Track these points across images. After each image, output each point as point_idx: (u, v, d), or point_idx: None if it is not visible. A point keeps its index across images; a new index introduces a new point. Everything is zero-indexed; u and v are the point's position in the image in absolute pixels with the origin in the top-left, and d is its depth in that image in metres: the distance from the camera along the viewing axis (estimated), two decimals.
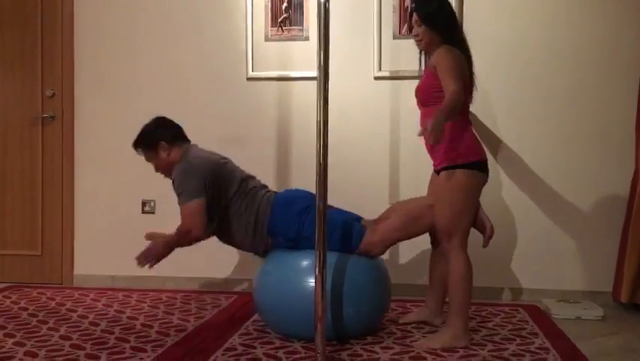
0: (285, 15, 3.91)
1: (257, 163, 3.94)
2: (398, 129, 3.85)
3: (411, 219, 2.91)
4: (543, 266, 3.74)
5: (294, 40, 3.91)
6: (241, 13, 3.95)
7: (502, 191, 3.75)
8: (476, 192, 2.84)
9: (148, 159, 3.18)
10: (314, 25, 3.77)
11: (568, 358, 2.62)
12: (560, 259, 3.73)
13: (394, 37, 3.82)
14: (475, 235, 2.91)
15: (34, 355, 2.62)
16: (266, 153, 3.96)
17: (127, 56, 4.09)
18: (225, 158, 3.15)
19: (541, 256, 3.74)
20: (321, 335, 2.46)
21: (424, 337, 2.91)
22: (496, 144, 3.73)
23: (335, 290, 2.74)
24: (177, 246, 2.94)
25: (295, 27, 3.91)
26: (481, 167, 2.82)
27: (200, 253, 3.52)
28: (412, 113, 3.78)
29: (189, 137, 4.03)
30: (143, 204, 4.07)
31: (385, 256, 3.13)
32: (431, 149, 2.88)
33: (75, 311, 3.39)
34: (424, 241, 3.14)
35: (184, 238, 2.93)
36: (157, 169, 3.20)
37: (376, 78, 3.84)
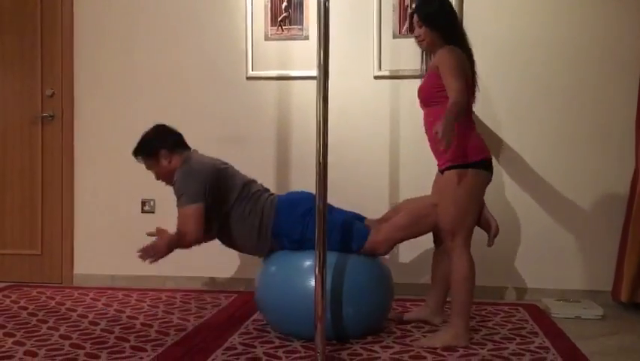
0: (284, 14, 3.91)
1: (257, 162, 3.95)
2: (398, 128, 3.85)
3: (415, 219, 2.91)
4: (543, 265, 3.74)
5: (294, 39, 3.91)
6: (241, 12, 3.94)
7: (502, 191, 3.75)
8: (480, 191, 2.84)
9: (148, 167, 3.17)
10: (314, 24, 3.77)
11: (567, 357, 2.62)
12: (559, 259, 3.73)
13: (394, 37, 3.81)
14: (476, 234, 2.91)
15: (34, 354, 2.62)
16: (266, 152, 3.96)
17: (126, 55, 4.09)
18: (226, 163, 3.14)
19: (541, 255, 3.74)
20: (321, 334, 2.47)
21: (424, 336, 2.91)
22: (496, 143, 3.73)
23: (338, 290, 2.74)
24: (177, 247, 2.93)
25: (295, 26, 3.90)
26: (486, 166, 2.82)
27: (200, 253, 3.51)
28: (411, 113, 3.79)
29: (189, 136, 4.03)
30: (143, 203, 4.07)
31: (386, 255, 3.12)
32: (435, 149, 2.88)
33: (75, 311, 3.39)
34: (425, 241, 3.14)
35: (181, 241, 2.92)
36: (158, 177, 3.18)
37: (376, 77, 3.84)
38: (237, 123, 3.99)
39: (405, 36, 3.79)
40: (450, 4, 2.95)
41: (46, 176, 4.17)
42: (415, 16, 2.90)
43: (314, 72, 2.54)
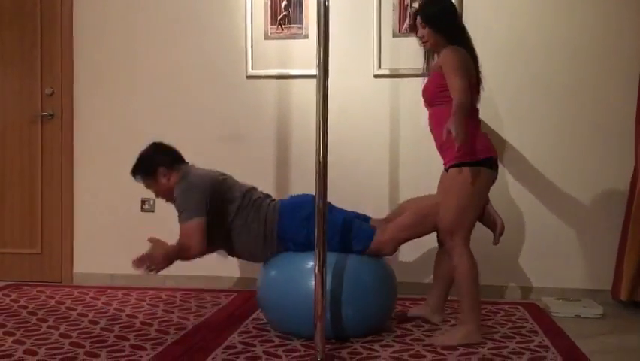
0: (284, 13, 3.91)
1: (256, 161, 3.95)
2: (398, 127, 3.85)
3: (421, 218, 2.91)
4: (543, 264, 3.74)
5: (294, 38, 3.90)
6: (240, 11, 3.94)
7: (502, 190, 3.74)
8: (484, 190, 2.83)
9: (147, 186, 3.14)
10: (314, 23, 3.76)
11: (567, 356, 2.62)
12: (559, 257, 3.73)
13: (394, 35, 3.81)
14: (478, 233, 2.90)
15: (34, 353, 2.62)
16: (265, 151, 3.96)
17: (126, 54, 4.08)
18: (224, 174, 3.13)
19: (541, 254, 3.74)
20: (321, 333, 2.47)
21: (425, 335, 2.91)
22: (497, 142, 3.71)
23: (341, 290, 2.74)
24: (177, 259, 2.90)
25: (295, 25, 3.90)
26: (490, 164, 2.81)
27: None
28: (411, 112, 3.80)
29: (189, 135, 4.04)
30: (143, 202, 4.07)
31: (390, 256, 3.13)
32: (441, 147, 2.88)
33: (75, 310, 3.39)
34: (425, 240, 3.13)
35: (183, 254, 2.88)
36: (157, 195, 3.16)
37: (376, 76, 3.84)
38: (237, 122, 3.99)
39: (405, 35, 3.79)
40: (453, 6, 2.94)
41: (46, 175, 4.17)
42: (419, 17, 2.90)
43: (314, 71, 2.54)
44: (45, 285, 4.03)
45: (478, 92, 2.88)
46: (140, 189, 4.03)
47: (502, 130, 3.75)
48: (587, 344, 2.80)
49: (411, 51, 3.76)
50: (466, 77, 2.70)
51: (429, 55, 3.03)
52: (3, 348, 2.68)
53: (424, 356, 2.61)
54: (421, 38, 2.91)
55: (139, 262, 2.76)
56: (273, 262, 2.97)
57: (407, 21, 3.80)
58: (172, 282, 4.01)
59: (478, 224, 2.93)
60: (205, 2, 3.99)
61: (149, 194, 4.02)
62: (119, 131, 4.09)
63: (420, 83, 3.64)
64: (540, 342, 2.82)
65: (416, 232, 2.94)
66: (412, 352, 2.67)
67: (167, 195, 3.09)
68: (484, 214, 2.96)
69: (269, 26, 3.92)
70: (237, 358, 2.58)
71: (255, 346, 2.74)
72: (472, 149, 2.76)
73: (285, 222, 2.93)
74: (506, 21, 3.73)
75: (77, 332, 2.95)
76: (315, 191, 2.47)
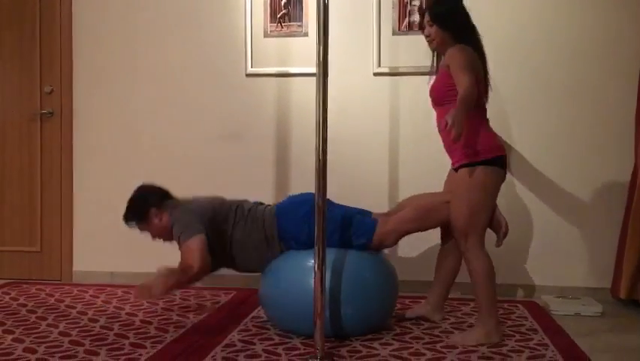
0: (284, 11, 3.90)
1: (256, 160, 3.95)
2: (398, 125, 3.85)
3: (424, 213, 2.91)
4: (542, 262, 3.75)
5: (293, 36, 3.90)
6: (240, 9, 3.94)
7: (501, 188, 3.74)
8: (495, 190, 2.81)
9: (142, 230, 3.10)
10: (313, 21, 3.76)
11: (567, 354, 2.62)
12: (559, 255, 3.73)
13: (394, 33, 3.81)
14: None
15: (34, 351, 2.62)
16: (265, 149, 3.96)
17: (126, 52, 4.08)
18: (213, 196, 3.10)
19: (541, 252, 3.75)
20: (320, 331, 2.47)
21: (427, 334, 2.91)
22: None
23: (341, 288, 2.73)
24: (177, 287, 2.85)
25: (294, 23, 3.90)
26: (501, 163, 2.80)
27: None
28: (411, 110, 3.80)
29: (188, 134, 4.04)
30: None
31: (386, 252, 3.12)
32: (449, 147, 2.86)
33: (74, 308, 3.39)
34: (426, 239, 3.13)
35: (185, 276, 2.82)
36: (154, 236, 3.10)
37: (376, 74, 3.84)
38: (237, 120, 3.99)
39: (404, 33, 3.79)
40: (462, 4, 2.89)
41: (46, 173, 4.17)
42: (426, 15, 2.89)
43: (313, 69, 2.54)
44: (44, 283, 4.03)
45: (485, 91, 2.87)
46: None
47: (501, 128, 3.73)
48: (586, 342, 2.80)
49: (411, 49, 3.77)
50: (472, 73, 2.68)
51: (437, 54, 3.01)
52: (2, 346, 2.68)
53: (424, 355, 2.61)
54: (427, 37, 2.90)
55: (140, 292, 2.76)
56: (274, 260, 2.96)
57: (407, 19, 3.80)
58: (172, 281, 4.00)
59: None
60: (204, 0, 3.99)
61: None
62: (118, 129, 4.09)
63: (420, 81, 3.68)
64: (539, 340, 2.82)
65: (418, 226, 2.94)
66: (411, 350, 2.67)
67: (163, 234, 3.04)
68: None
69: (268, 24, 3.91)
70: (237, 356, 2.58)
71: (254, 344, 2.74)
72: (480, 148, 2.75)
73: (285, 223, 2.93)
74: (506, 17, 3.73)
75: (77, 330, 2.95)
76: (314, 189, 2.47)
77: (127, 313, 3.26)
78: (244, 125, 3.98)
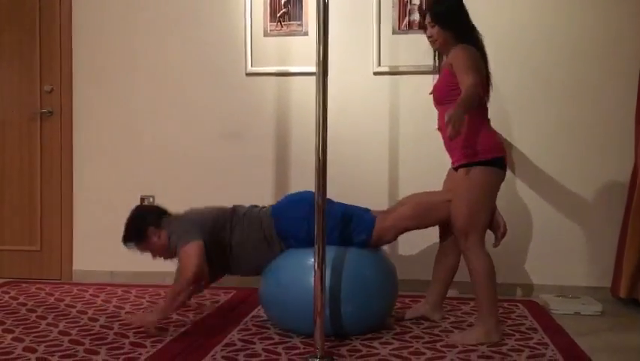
0: (283, 10, 3.90)
1: (256, 159, 3.95)
2: (397, 125, 3.85)
3: (423, 211, 2.91)
4: (542, 262, 3.75)
5: (293, 35, 3.90)
6: (240, 8, 3.94)
7: (500, 187, 3.75)
8: (494, 190, 2.82)
9: (142, 250, 3.10)
10: (313, 20, 3.76)
11: (566, 353, 2.62)
12: (558, 255, 3.73)
13: (394, 33, 3.81)
14: None
15: (33, 350, 2.62)
16: (265, 148, 3.96)
17: (125, 51, 4.08)
18: (209, 206, 3.09)
19: (540, 251, 3.75)
20: (320, 329, 2.47)
21: (427, 333, 2.91)
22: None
23: (341, 286, 2.73)
24: (170, 309, 2.82)
25: (294, 22, 3.90)
26: (500, 163, 2.80)
27: None
28: (411, 109, 3.80)
29: (188, 133, 4.04)
30: (142, 199, 4.07)
31: (386, 251, 3.12)
32: (449, 146, 2.86)
33: (74, 307, 3.39)
34: (426, 237, 3.13)
35: (183, 282, 2.80)
36: (154, 255, 3.09)
37: (375, 73, 3.84)
38: (237, 119, 3.99)
39: (404, 32, 3.79)
40: (462, 4, 2.89)
41: (45, 172, 4.17)
42: (428, 15, 2.89)
43: (313, 68, 2.53)
44: (44, 282, 4.03)
45: (487, 90, 2.87)
46: (140, 186, 4.07)
47: (502, 127, 3.73)
48: (586, 341, 2.80)
49: (410, 48, 3.77)
50: (476, 72, 2.68)
51: (438, 54, 3.01)
52: (2, 345, 2.68)
53: (424, 354, 2.61)
54: (429, 37, 2.90)
55: (135, 323, 2.77)
56: (274, 260, 2.96)
57: (407, 18, 3.80)
58: (171, 279, 3.99)
59: None
60: None
61: (149, 191, 4.06)
62: (118, 129, 4.09)
63: (420, 80, 3.68)
64: (539, 339, 2.82)
65: (416, 223, 2.94)
66: (411, 349, 2.67)
67: (163, 252, 3.03)
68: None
69: (268, 23, 3.91)
70: (237, 355, 2.58)
71: (254, 343, 2.74)
72: (481, 148, 2.75)
73: (284, 222, 2.93)
74: (506, 15, 3.73)
75: (77, 329, 2.95)
76: (314, 188, 2.47)
77: (127, 313, 3.26)
78: (244, 125, 3.98)
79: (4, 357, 2.53)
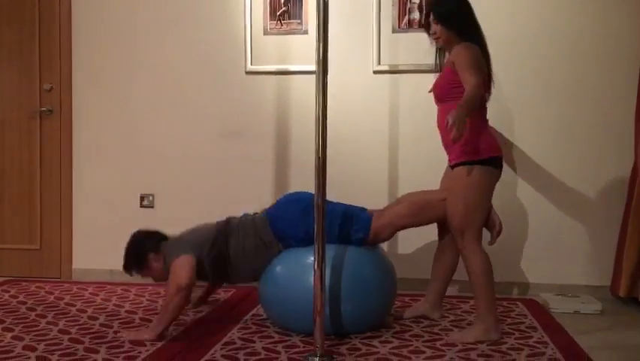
0: (283, 8, 3.90)
1: (255, 157, 3.95)
2: (397, 123, 3.84)
3: (419, 209, 2.91)
4: (542, 260, 3.75)
5: (293, 33, 3.90)
6: (240, 6, 3.93)
7: (500, 185, 3.72)
8: (490, 189, 2.83)
9: (144, 276, 3.09)
10: (313, 18, 3.76)
11: (566, 352, 2.62)
12: (558, 253, 3.73)
13: (394, 31, 3.80)
14: None
15: (33, 349, 2.62)
16: (264, 147, 3.95)
17: (125, 49, 4.08)
18: (208, 223, 3.06)
19: (540, 250, 3.75)
20: (320, 328, 2.47)
21: (427, 331, 2.91)
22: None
23: (341, 285, 2.74)
24: (163, 322, 2.77)
25: (294, 20, 3.89)
26: (496, 163, 2.80)
27: None
28: (411, 107, 3.80)
29: (188, 131, 4.03)
30: (142, 198, 4.07)
31: (385, 249, 3.12)
32: (447, 144, 2.87)
33: (74, 305, 3.39)
34: (425, 236, 3.13)
35: (170, 296, 2.76)
36: (157, 280, 3.07)
37: (375, 72, 3.84)
38: (236, 118, 3.99)
39: (404, 30, 3.79)
40: (466, 2, 2.88)
41: (45, 170, 4.17)
42: (431, 13, 2.89)
43: (313, 67, 2.53)
44: (44, 281, 4.03)
45: (488, 89, 2.87)
46: (140, 185, 4.07)
47: (502, 125, 3.74)
48: (585, 340, 2.80)
49: (410, 47, 3.77)
50: (479, 72, 2.68)
51: (440, 52, 3.01)
52: (2, 344, 2.68)
53: (423, 352, 2.61)
54: (432, 35, 2.90)
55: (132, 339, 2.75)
56: (274, 259, 2.96)
57: (407, 16, 3.79)
58: None
59: None
60: None
61: (149, 190, 4.06)
62: (117, 127, 4.09)
63: (420, 79, 3.68)
64: (539, 338, 2.82)
65: (412, 221, 2.94)
66: (411, 348, 2.67)
67: (165, 276, 2.97)
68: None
69: (268, 22, 3.91)
70: (237, 354, 2.58)
71: (254, 342, 2.74)
72: (478, 147, 2.75)
73: (281, 225, 2.92)
74: (506, 14, 3.72)
75: (76, 327, 2.95)
76: (314, 187, 2.47)
77: (126, 311, 3.26)
78: (243, 123, 3.98)
79: (3, 356, 2.53)
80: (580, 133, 3.71)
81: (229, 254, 2.94)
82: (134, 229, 3.11)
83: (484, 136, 2.79)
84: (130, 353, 2.57)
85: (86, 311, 3.26)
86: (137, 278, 3.92)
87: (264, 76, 3.94)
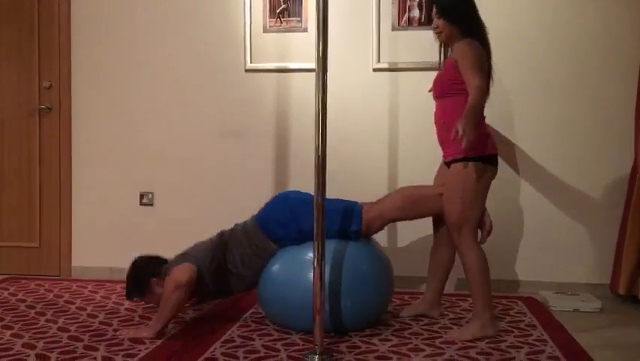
0: (283, 6, 3.89)
1: (255, 155, 3.95)
2: (397, 121, 3.84)
3: (412, 203, 2.92)
4: (541, 258, 3.75)
5: (293, 31, 3.89)
6: (239, 4, 3.93)
7: (499, 184, 3.72)
8: (487, 186, 2.83)
9: (147, 302, 3.09)
10: (313, 16, 3.75)
11: (566, 350, 2.62)
12: (558, 252, 3.73)
13: (393, 29, 3.80)
14: None
15: (33, 347, 2.62)
16: (264, 145, 3.95)
17: (124, 47, 4.07)
18: (207, 240, 3.03)
19: (540, 248, 3.75)
20: (319, 326, 2.47)
21: (426, 329, 2.91)
22: (495, 136, 3.72)
23: (340, 281, 2.74)
24: (162, 319, 2.76)
25: (294, 18, 3.89)
26: (492, 161, 2.81)
27: None
28: (411, 105, 3.80)
29: (188, 130, 4.03)
30: (141, 196, 4.06)
31: (384, 247, 3.12)
32: (442, 140, 2.87)
33: (73, 303, 3.39)
34: (425, 237, 3.13)
35: (167, 293, 2.75)
36: (158, 305, 2.99)
37: (375, 70, 3.83)
38: (236, 116, 3.98)
39: (404, 28, 3.78)
40: None
41: (44, 168, 4.16)
42: (434, 7, 2.88)
43: (313, 65, 2.53)
44: (43, 278, 4.03)
45: (488, 86, 2.87)
46: (139, 183, 4.06)
47: (502, 124, 3.74)
48: (585, 338, 2.81)
49: (410, 45, 3.76)
50: (483, 74, 2.68)
51: (444, 49, 3.00)
52: (1, 342, 2.68)
53: (423, 350, 2.61)
54: (435, 29, 2.90)
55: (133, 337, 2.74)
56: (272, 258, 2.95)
57: (407, 14, 3.79)
58: None
59: None
60: None
61: (148, 187, 4.06)
62: (117, 125, 4.08)
63: (419, 77, 3.68)
64: (539, 336, 2.82)
65: (404, 215, 2.95)
66: (410, 346, 2.67)
67: None
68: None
69: (268, 20, 3.91)
70: (236, 351, 2.58)
71: (253, 340, 2.74)
72: (475, 144, 2.74)
73: (273, 228, 2.90)
74: (506, 14, 3.72)
75: (76, 325, 2.95)
76: (313, 185, 2.47)
77: (126, 309, 3.26)
78: (243, 121, 3.97)
79: (3, 353, 2.53)
80: (580, 133, 3.71)
81: (228, 269, 2.93)
82: (136, 226, 3.11)
83: (483, 133, 2.79)
84: (129, 351, 2.57)
85: (85, 309, 3.26)
86: None
87: (263, 74, 3.93)
